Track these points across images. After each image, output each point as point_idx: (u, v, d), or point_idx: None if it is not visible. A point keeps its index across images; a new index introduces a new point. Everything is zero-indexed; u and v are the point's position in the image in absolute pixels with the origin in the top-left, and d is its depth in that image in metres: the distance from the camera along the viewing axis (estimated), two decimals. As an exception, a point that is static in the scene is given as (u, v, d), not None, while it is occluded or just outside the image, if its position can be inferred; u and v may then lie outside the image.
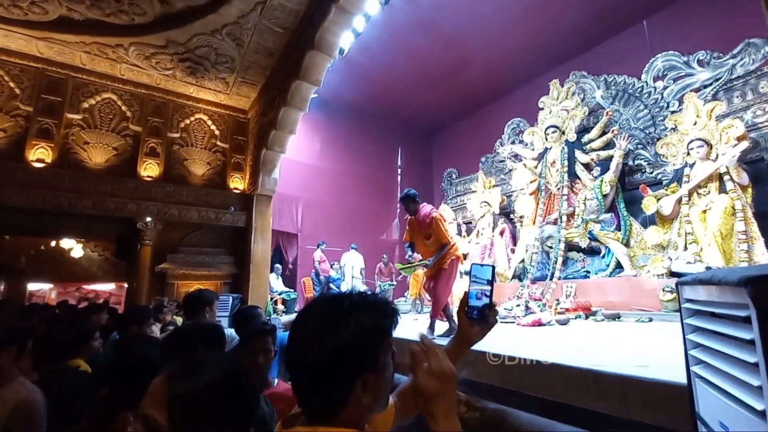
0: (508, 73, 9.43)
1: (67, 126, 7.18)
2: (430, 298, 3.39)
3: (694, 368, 1.12)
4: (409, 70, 9.35)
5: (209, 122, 8.57)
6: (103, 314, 4.58)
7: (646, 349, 2.90)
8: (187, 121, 8.31)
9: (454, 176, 11.00)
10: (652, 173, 6.52)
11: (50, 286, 14.09)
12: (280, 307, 7.97)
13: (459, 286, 7.64)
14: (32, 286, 13.24)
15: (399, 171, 12.09)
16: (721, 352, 0.93)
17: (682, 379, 1.59)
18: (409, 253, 3.98)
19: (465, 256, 9.23)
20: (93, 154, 7.33)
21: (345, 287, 8.28)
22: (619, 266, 6.12)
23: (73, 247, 9.14)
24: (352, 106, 10.69)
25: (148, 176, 7.61)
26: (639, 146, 6.71)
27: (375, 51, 8.19)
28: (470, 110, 11.22)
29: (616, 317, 5.14)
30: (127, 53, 6.89)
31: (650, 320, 4.80)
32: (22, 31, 6.35)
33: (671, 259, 5.39)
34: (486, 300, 0.98)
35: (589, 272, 6.48)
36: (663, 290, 5.02)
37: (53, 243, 9.24)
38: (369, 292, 0.81)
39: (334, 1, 5.50)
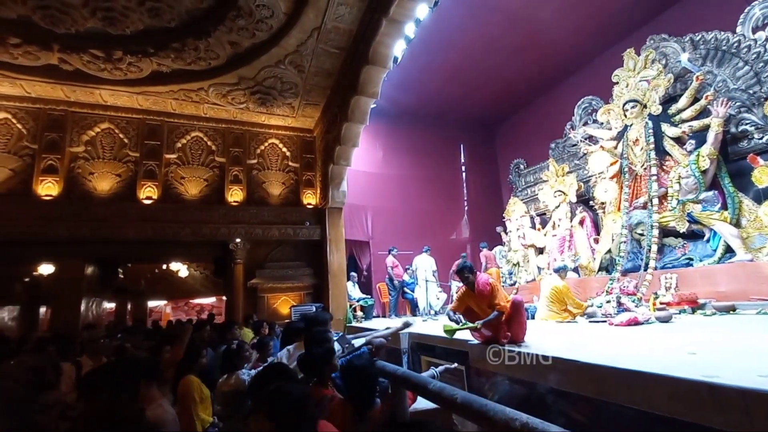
0: (573, 51, 8.78)
1: (167, 165, 8.27)
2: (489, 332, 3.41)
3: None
4: (463, 64, 9.14)
5: (280, 145, 9.27)
6: (205, 330, 5.19)
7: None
8: (262, 147, 9.09)
9: (522, 167, 10.49)
10: (761, 139, 5.60)
11: (164, 302, 16.35)
12: (359, 313, 8.29)
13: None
14: (151, 303, 15.48)
15: (463, 168, 11.86)
16: None
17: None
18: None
19: (542, 250, 8.79)
20: (189, 187, 8.35)
21: (419, 291, 8.33)
22: (729, 250, 5.37)
23: (180, 268, 10.46)
24: (409, 110, 10.75)
25: (234, 201, 8.45)
26: (742, 110, 5.80)
27: (426, 50, 8.13)
28: (534, 95, 10.63)
29: (730, 310, 4.54)
30: (207, 94, 7.75)
31: (776, 312, 4.16)
32: (124, 89, 7.46)
33: (798, 239, 4.61)
34: None
35: (692, 260, 5.78)
36: (790, 276, 4.32)
37: (164, 266, 10.68)
38: None
39: (384, 14, 5.60)
